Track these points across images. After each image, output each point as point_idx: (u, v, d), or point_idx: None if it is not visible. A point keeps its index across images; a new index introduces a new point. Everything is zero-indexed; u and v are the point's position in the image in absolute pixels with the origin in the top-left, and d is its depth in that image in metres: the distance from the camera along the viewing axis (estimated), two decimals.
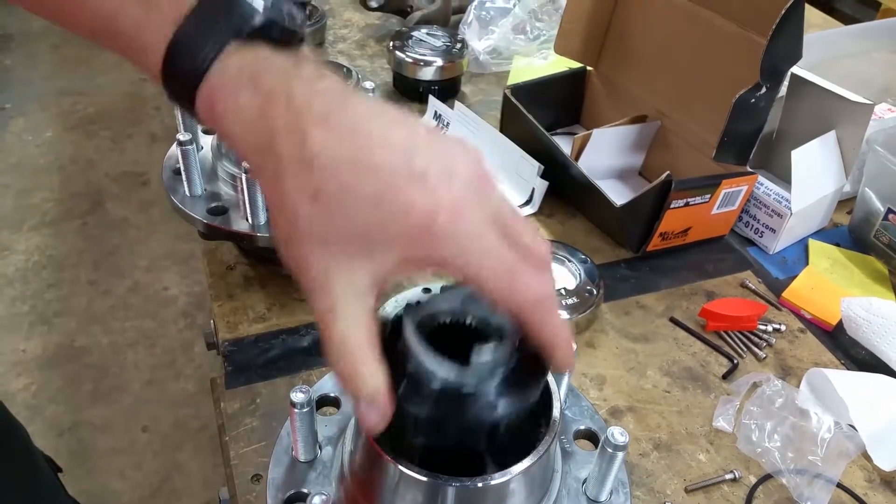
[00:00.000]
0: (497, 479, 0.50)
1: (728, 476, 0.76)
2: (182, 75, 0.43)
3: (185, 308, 2.56)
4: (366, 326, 0.42)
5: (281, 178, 0.40)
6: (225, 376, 0.83)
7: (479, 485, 0.50)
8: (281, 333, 0.88)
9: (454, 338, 0.51)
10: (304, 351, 0.86)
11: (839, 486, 0.76)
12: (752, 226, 1.10)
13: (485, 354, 0.48)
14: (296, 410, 0.57)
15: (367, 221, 0.40)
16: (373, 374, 0.43)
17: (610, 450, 0.56)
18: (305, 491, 0.59)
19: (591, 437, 0.66)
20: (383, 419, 0.44)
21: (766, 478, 0.77)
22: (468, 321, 0.52)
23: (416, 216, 0.39)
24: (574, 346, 0.56)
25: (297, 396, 0.56)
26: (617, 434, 0.56)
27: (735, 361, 0.89)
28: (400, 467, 0.50)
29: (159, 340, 2.44)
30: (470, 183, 0.41)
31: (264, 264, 0.96)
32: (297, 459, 0.61)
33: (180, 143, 0.83)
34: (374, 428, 0.44)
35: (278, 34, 0.43)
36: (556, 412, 0.54)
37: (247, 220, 0.83)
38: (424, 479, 0.50)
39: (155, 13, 0.44)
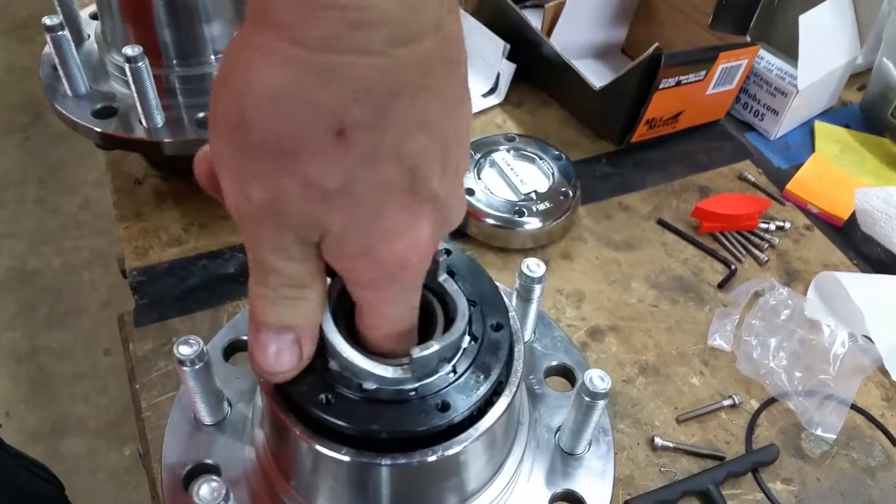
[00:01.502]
0: (442, 452, 0.38)
1: (726, 402, 0.66)
2: None
3: None
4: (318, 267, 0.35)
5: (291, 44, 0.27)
6: (134, 312, 0.70)
7: (429, 459, 0.38)
8: (200, 258, 0.74)
9: None
10: (229, 278, 0.73)
11: (853, 407, 0.66)
12: (752, 107, 0.95)
13: (430, 346, 0.37)
14: (185, 368, 0.44)
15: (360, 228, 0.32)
16: (314, 297, 0.35)
17: (588, 398, 0.44)
18: (211, 462, 0.47)
19: (566, 373, 0.54)
20: (298, 366, 0.36)
21: (771, 402, 0.66)
22: None
23: (390, 257, 0.32)
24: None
25: (183, 350, 0.43)
26: (596, 379, 0.44)
27: (733, 267, 0.77)
28: (317, 447, 0.38)
29: (115, 259, 2.30)
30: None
31: (179, 177, 0.81)
32: (201, 422, 0.49)
33: (48, 29, 0.66)
34: (286, 373, 0.37)
35: None
36: (518, 363, 0.41)
37: (140, 122, 0.68)
38: (346, 458, 0.38)
39: None
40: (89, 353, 2.08)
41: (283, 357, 0.35)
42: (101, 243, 2.35)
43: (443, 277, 0.41)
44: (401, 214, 0.31)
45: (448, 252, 0.42)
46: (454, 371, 0.39)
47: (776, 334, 0.69)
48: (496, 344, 0.41)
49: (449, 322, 0.40)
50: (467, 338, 0.40)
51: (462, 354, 0.40)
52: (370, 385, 0.38)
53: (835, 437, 0.63)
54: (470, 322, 0.40)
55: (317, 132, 0.28)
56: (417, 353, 0.37)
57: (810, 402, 0.65)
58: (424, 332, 0.40)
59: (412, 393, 0.38)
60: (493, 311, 0.42)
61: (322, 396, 0.38)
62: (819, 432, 0.64)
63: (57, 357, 2.07)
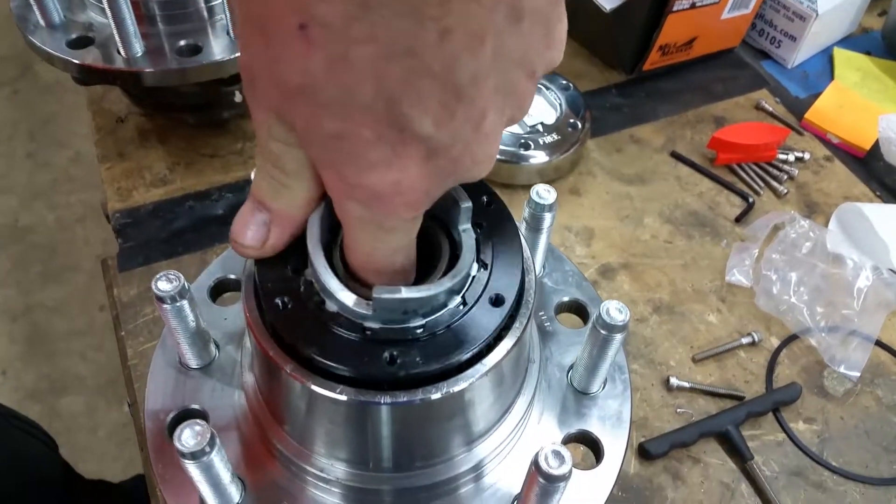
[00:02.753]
0: (447, 389, 0.35)
1: (745, 340, 0.63)
2: None
3: None
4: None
5: None
6: (118, 256, 0.67)
7: (433, 396, 0.35)
8: (187, 199, 0.71)
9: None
10: (218, 220, 0.69)
11: (878, 343, 0.63)
12: (768, 34, 0.90)
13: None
14: (165, 306, 0.40)
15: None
16: (297, 191, 0.33)
17: (604, 332, 0.41)
18: (197, 408, 0.44)
19: (579, 310, 0.50)
20: (258, 248, 0.35)
21: (792, 339, 0.63)
22: None
23: (359, 186, 0.30)
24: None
25: (163, 286, 0.40)
26: (613, 311, 0.40)
27: (751, 200, 0.73)
28: (311, 386, 0.35)
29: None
30: None
31: (164, 112, 0.76)
32: (187, 366, 0.46)
33: None
34: (245, 247, 0.35)
35: None
36: (529, 294, 0.38)
37: (119, 52, 0.63)
38: (343, 398, 0.34)
39: None
40: (85, 310, 2.05)
41: (248, 229, 0.34)
42: (94, 197, 2.30)
43: (464, 227, 0.37)
44: (376, 145, 0.28)
45: (489, 204, 0.38)
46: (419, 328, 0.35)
47: (797, 269, 0.65)
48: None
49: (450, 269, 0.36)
50: (458, 298, 0.36)
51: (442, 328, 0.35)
52: (354, 320, 0.34)
53: (859, 374, 0.61)
54: (467, 286, 0.36)
55: (278, 15, 0.25)
56: (379, 292, 0.33)
57: (833, 338, 0.62)
58: (427, 267, 0.37)
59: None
60: (503, 285, 0.37)
61: (315, 335, 0.34)
62: (842, 370, 0.61)
63: (52, 314, 2.04)
